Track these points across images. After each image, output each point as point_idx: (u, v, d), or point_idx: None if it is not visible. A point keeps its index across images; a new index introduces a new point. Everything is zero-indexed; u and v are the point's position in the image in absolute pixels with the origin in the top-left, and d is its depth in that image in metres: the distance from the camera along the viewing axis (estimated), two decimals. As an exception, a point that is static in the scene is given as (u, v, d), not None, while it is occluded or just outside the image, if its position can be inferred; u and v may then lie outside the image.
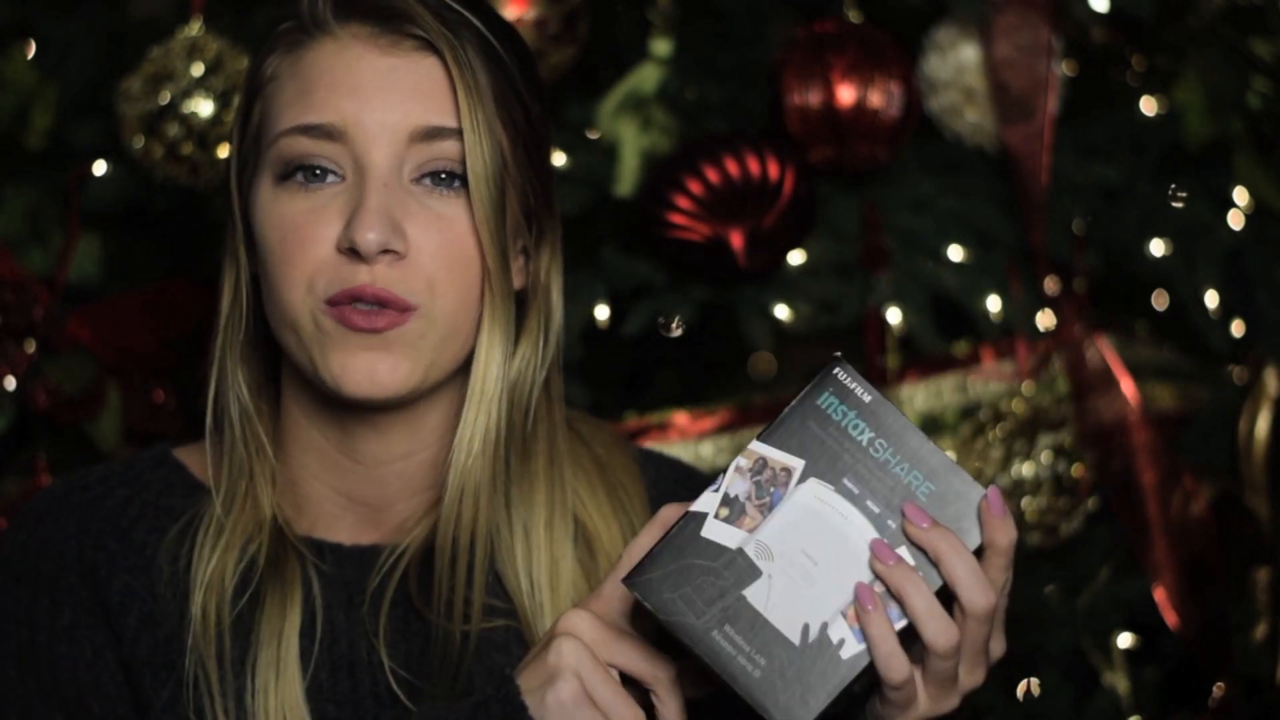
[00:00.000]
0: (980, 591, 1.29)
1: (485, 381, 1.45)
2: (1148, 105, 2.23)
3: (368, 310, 1.40)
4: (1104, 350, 2.15)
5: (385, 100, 1.41)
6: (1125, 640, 2.15)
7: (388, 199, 1.40)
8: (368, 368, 1.41)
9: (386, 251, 1.39)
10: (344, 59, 1.43)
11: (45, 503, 1.49)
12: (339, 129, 1.41)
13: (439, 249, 1.41)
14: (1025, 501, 2.09)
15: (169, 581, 1.45)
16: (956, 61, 2.11)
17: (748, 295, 2.07)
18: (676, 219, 1.99)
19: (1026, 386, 2.13)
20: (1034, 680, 2.11)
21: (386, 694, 1.46)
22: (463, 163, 1.42)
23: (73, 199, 2.04)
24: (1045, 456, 2.09)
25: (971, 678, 1.33)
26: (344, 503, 1.51)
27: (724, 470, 1.32)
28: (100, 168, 2.08)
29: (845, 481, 1.31)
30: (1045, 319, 2.15)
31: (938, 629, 1.28)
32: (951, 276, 2.12)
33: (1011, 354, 2.14)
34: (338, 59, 1.43)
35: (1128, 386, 2.15)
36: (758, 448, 1.32)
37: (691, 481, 1.63)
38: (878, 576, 1.29)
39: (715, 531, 1.31)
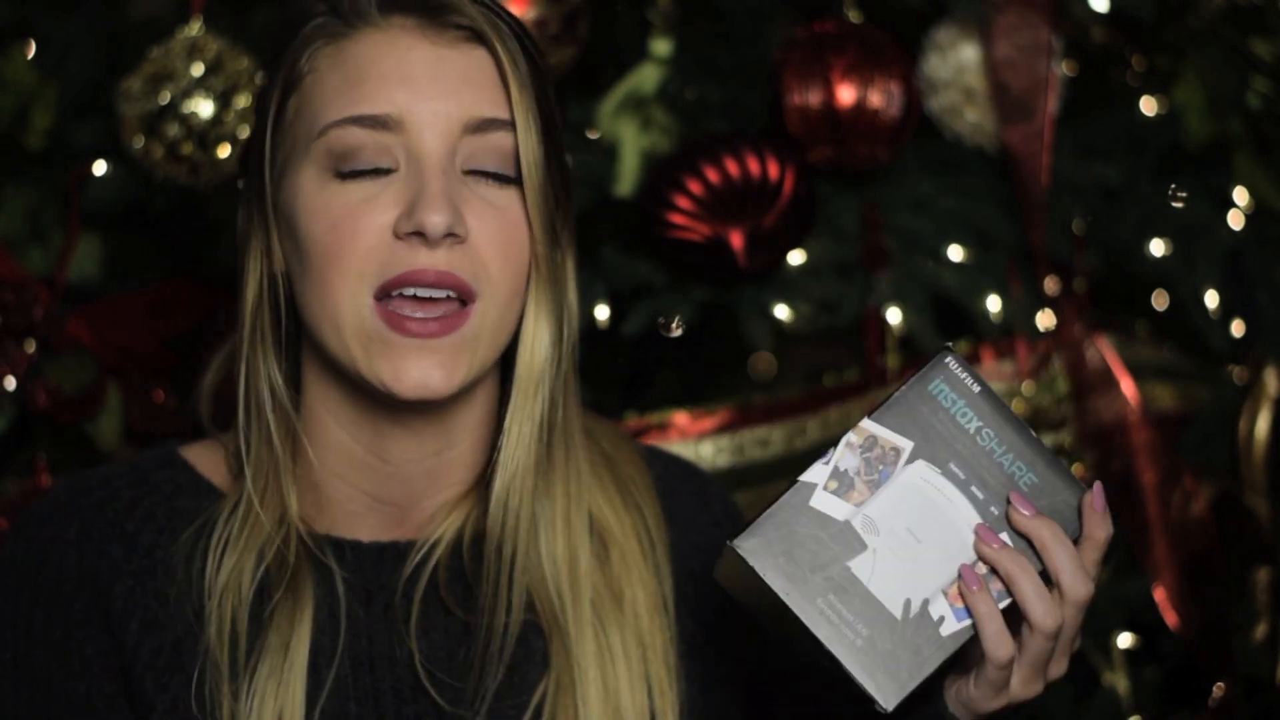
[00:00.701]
0: (1081, 580, 1.34)
1: (533, 367, 1.46)
2: (1148, 105, 2.23)
3: (424, 317, 1.40)
4: (1104, 350, 2.15)
5: (438, 90, 1.42)
6: (1125, 640, 2.15)
7: (449, 185, 1.40)
8: (421, 374, 1.41)
9: (450, 235, 1.40)
10: (394, 50, 1.43)
11: (47, 507, 1.48)
12: (394, 119, 1.41)
13: (495, 236, 1.42)
14: (1025, 501, 2.09)
15: (182, 583, 1.45)
16: (956, 61, 2.11)
17: (748, 295, 2.07)
18: (676, 219, 1.99)
19: (1026, 386, 2.13)
20: (1034, 680, 2.11)
21: (408, 689, 1.46)
22: (515, 153, 1.43)
23: (73, 199, 2.04)
24: (1045, 456, 2.09)
25: (1058, 666, 1.38)
26: (368, 502, 1.51)
27: (833, 444, 1.36)
28: (100, 168, 2.08)
29: (952, 466, 1.36)
30: (1045, 319, 2.15)
31: (1046, 609, 1.33)
32: (951, 276, 2.12)
33: (1011, 354, 2.14)
34: (387, 50, 1.43)
35: (1128, 386, 2.15)
36: (869, 425, 1.36)
37: (696, 479, 1.63)
38: (983, 559, 1.33)
39: (824, 502, 1.34)
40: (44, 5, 2.15)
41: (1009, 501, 1.35)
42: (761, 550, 1.33)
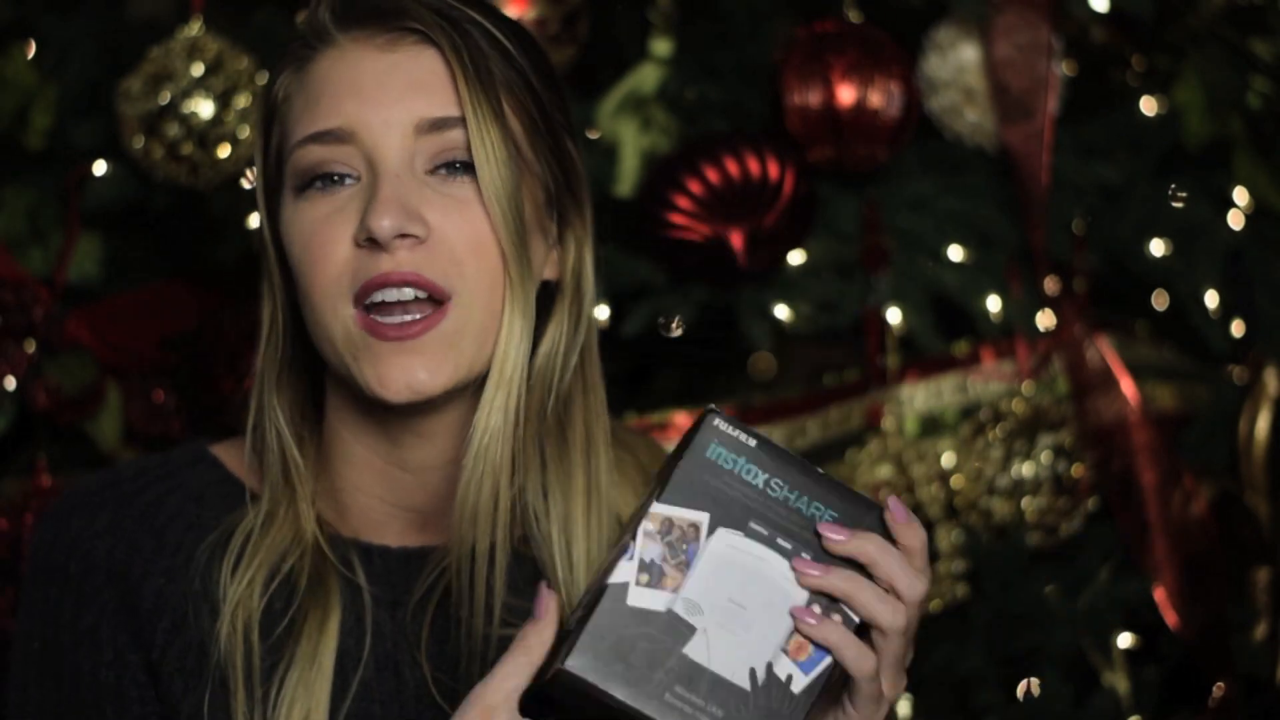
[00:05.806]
0: (914, 579, 1.33)
1: (504, 362, 1.44)
2: (1148, 105, 2.23)
3: (397, 322, 1.40)
4: (1104, 350, 2.15)
5: (386, 96, 1.42)
6: (1125, 640, 2.15)
7: (401, 189, 1.40)
8: (405, 375, 1.41)
9: (405, 237, 1.40)
10: (345, 64, 1.44)
11: (76, 498, 1.48)
12: (346, 131, 1.42)
13: (461, 229, 1.41)
14: (1025, 501, 2.09)
15: (202, 585, 1.44)
16: (956, 61, 2.11)
17: (748, 295, 2.07)
18: (676, 219, 1.99)
19: (1026, 386, 2.13)
20: (1034, 680, 2.11)
21: (428, 693, 1.46)
22: (468, 149, 1.42)
23: (73, 199, 2.04)
24: (1045, 456, 2.09)
25: (908, 656, 1.37)
26: (389, 510, 1.50)
27: (631, 538, 1.32)
28: (100, 168, 2.08)
29: (752, 525, 1.33)
30: (1045, 319, 2.15)
31: (893, 610, 1.32)
32: (951, 276, 2.12)
33: (1011, 354, 2.14)
34: (340, 65, 1.44)
35: (1128, 386, 2.15)
36: (660, 509, 1.33)
37: None
38: (813, 590, 1.32)
39: (640, 598, 1.31)
40: (44, 5, 2.15)
41: (818, 535, 1.32)
42: (595, 664, 1.30)
